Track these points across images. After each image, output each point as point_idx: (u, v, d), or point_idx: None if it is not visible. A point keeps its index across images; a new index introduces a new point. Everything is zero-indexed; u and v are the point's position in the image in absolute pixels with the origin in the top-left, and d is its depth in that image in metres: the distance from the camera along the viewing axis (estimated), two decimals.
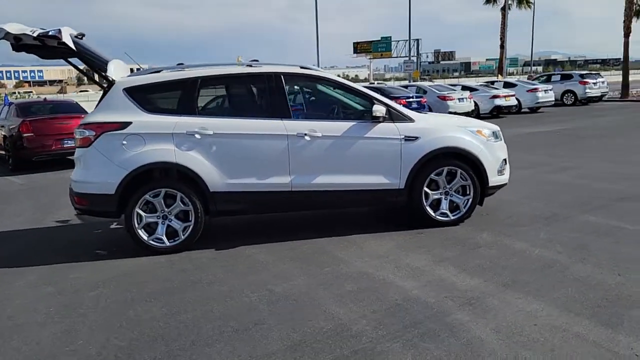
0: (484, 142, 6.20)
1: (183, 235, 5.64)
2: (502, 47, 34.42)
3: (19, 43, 5.52)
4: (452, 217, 6.14)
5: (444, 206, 6.12)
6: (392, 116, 5.93)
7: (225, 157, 5.63)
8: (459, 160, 6.04)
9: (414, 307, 4.02)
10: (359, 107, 6.20)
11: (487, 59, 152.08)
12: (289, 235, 6.06)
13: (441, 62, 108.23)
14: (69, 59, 6.05)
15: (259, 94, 6.05)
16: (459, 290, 4.29)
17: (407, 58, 42.20)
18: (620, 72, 33.50)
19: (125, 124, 5.53)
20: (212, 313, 4.09)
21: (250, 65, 6.00)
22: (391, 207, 6.67)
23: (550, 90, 25.14)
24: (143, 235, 5.59)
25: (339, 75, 6.95)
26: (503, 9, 34.68)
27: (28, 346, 3.71)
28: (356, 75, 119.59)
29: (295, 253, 5.47)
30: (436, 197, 6.09)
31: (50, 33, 5.42)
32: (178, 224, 5.64)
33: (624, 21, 33.27)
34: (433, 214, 6.09)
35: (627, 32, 33.29)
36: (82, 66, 6.34)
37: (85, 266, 5.39)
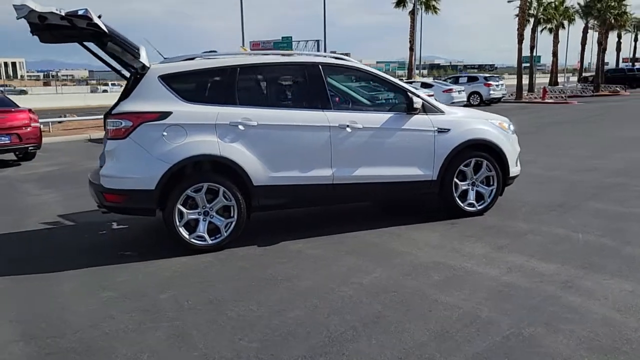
0: (505, 134, 6.45)
1: (225, 232, 5.32)
2: (412, 49, 35.82)
3: (43, 23, 4.88)
4: (478, 207, 6.30)
5: (471, 196, 6.28)
6: (425, 108, 5.98)
7: (269, 149, 5.39)
8: (485, 152, 6.22)
9: (518, 292, 4.09)
10: (393, 99, 6.20)
11: (377, 62, 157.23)
12: (323, 228, 5.92)
13: None
14: (85, 45, 5.47)
15: (298, 83, 5.85)
16: (545, 275, 4.42)
17: None
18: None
19: (166, 114, 5.12)
20: (319, 309, 3.89)
21: (290, 55, 5.80)
22: (418, 197, 6.76)
23: (463, 91, 26.62)
24: (184, 233, 5.20)
25: None
26: (412, 13, 36.13)
27: (146, 354, 3.31)
28: None
29: (347, 247, 5.35)
30: (464, 187, 6.23)
31: (79, 12, 4.87)
32: (220, 221, 5.31)
33: (518, 29, 36.01)
34: (462, 204, 6.22)
35: (520, 39, 36.06)
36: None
37: (125, 269, 4.91)
